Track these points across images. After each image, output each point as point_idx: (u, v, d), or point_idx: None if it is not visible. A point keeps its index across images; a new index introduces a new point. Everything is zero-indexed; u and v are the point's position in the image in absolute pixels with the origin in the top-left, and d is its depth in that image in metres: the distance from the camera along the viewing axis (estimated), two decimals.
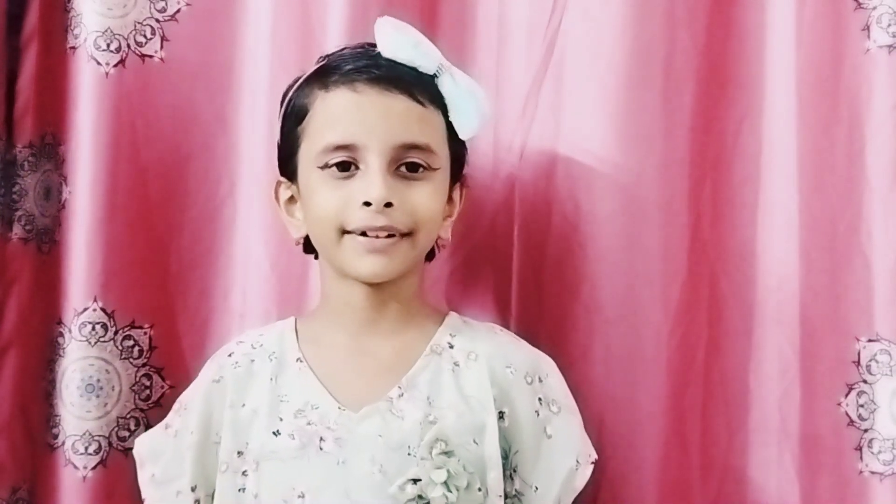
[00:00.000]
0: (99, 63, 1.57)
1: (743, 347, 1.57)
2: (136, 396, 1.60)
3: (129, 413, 1.59)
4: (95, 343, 1.57)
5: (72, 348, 1.57)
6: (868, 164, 1.52)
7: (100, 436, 1.56)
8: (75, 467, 1.56)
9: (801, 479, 1.53)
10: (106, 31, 1.58)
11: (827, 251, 1.53)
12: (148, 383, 1.60)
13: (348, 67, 1.35)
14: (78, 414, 1.56)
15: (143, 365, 1.60)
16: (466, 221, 1.56)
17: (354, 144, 1.32)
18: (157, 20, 1.62)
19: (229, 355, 1.43)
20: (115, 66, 1.58)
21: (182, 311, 1.63)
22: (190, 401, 1.42)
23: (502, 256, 1.58)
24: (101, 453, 1.56)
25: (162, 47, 1.62)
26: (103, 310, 1.57)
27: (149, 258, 1.61)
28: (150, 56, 1.61)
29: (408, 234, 1.33)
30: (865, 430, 1.51)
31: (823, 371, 1.53)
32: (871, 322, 1.51)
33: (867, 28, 1.52)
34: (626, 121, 1.54)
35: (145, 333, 1.60)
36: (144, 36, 1.61)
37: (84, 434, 1.56)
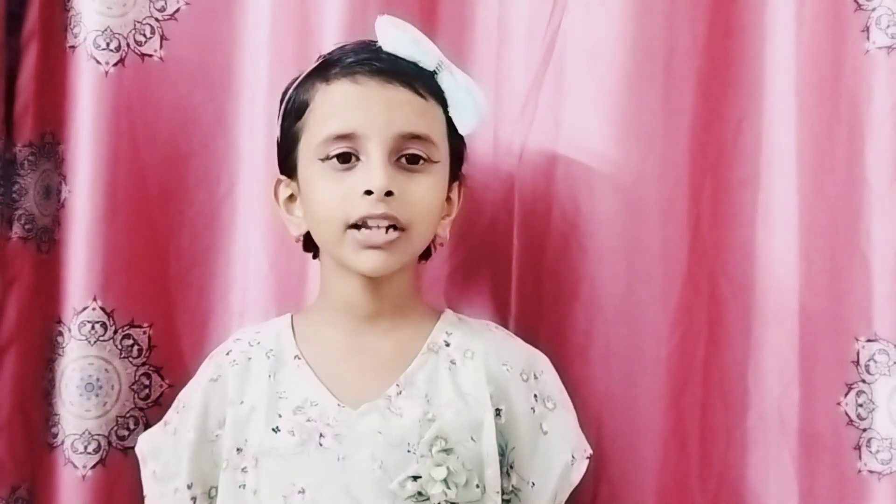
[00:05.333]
0: (98, 62, 1.57)
1: (742, 347, 1.57)
2: (136, 395, 1.60)
3: (128, 412, 1.59)
4: (95, 342, 1.57)
5: (71, 347, 1.57)
6: (867, 164, 1.52)
7: (99, 435, 1.57)
8: (75, 466, 1.56)
9: (800, 479, 1.53)
10: (105, 30, 1.58)
11: (826, 251, 1.53)
12: (147, 382, 1.61)
13: (350, 60, 1.37)
14: (77, 413, 1.57)
15: (143, 364, 1.60)
16: (466, 221, 1.57)
17: (355, 133, 1.33)
18: (157, 19, 1.62)
19: (227, 353, 1.43)
20: (115, 65, 1.58)
21: (181, 310, 1.63)
22: (188, 399, 1.43)
23: (502, 256, 1.58)
24: (100, 452, 1.56)
25: (161, 46, 1.62)
26: (103, 309, 1.57)
27: (148, 257, 1.61)
28: (150, 55, 1.61)
29: (406, 229, 1.33)
30: (864, 430, 1.51)
31: (822, 370, 1.53)
32: (870, 322, 1.51)
33: (867, 29, 1.52)
34: (626, 121, 1.54)
35: (144, 332, 1.61)
36: (144, 35, 1.61)
37: (83, 433, 1.56)
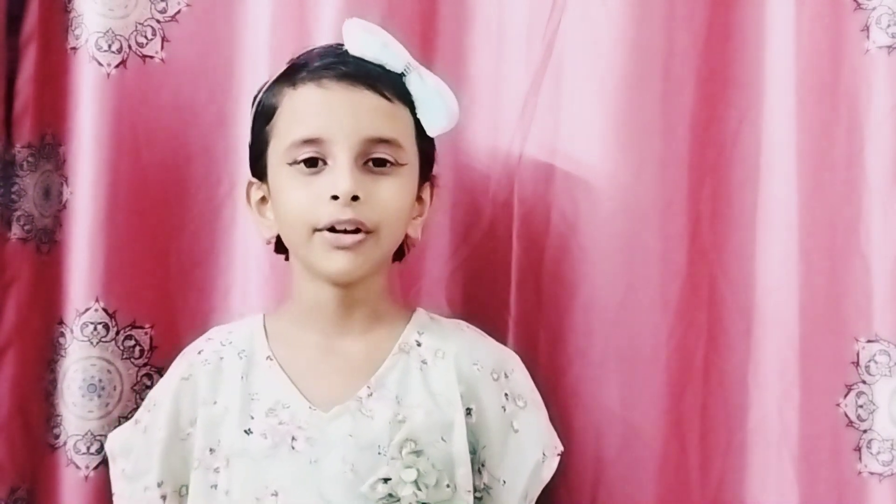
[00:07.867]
0: (100, 64, 1.58)
1: (742, 348, 1.56)
2: (138, 396, 1.59)
3: (130, 413, 1.58)
4: (97, 343, 1.58)
5: (73, 348, 1.58)
6: (867, 164, 1.51)
7: (101, 435, 1.56)
8: (77, 467, 1.57)
9: (800, 480, 1.52)
10: (107, 31, 1.58)
11: (826, 252, 1.52)
12: (149, 383, 1.60)
13: (316, 64, 1.38)
14: (80, 414, 1.57)
15: (144, 365, 1.61)
16: (466, 223, 1.58)
17: (321, 138, 1.33)
18: (158, 21, 1.62)
19: (199, 353, 1.44)
20: (117, 66, 1.59)
21: (183, 311, 1.63)
22: (159, 398, 1.44)
23: (501, 258, 1.58)
24: (102, 453, 1.55)
25: (163, 48, 1.62)
26: (105, 310, 1.57)
27: (150, 258, 1.61)
28: (151, 57, 1.62)
29: (374, 232, 1.34)
30: (864, 431, 1.51)
31: (822, 372, 1.52)
32: (870, 323, 1.50)
33: (866, 29, 1.52)
34: (625, 122, 1.54)
35: (146, 333, 1.61)
36: (145, 37, 1.61)
37: (86, 434, 1.57)
